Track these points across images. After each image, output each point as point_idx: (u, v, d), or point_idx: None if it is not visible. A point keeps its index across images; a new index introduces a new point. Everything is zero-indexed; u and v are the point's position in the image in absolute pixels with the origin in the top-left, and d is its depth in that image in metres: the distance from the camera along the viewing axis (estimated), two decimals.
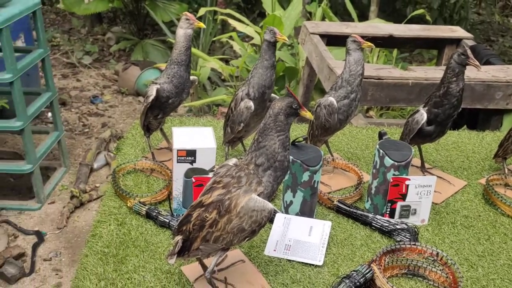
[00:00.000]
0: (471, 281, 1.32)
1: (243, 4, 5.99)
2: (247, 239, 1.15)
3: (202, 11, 4.06)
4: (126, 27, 5.82)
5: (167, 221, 1.45)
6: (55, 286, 2.34)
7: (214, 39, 4.71)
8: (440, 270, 1.29)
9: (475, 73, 2.46)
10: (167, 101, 1.69)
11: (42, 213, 2.84)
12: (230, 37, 4.29)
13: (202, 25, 1.67)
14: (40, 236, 2.64)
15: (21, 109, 2.59)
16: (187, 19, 1.66)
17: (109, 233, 1.41)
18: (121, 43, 5.35)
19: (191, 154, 1.44)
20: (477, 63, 1.57)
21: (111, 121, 4.09)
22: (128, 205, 1.51)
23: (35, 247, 2.56)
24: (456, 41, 3.10)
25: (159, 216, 1.46)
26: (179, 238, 1.15)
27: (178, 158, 1.44)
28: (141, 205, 1.50)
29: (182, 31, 1.66)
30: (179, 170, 1.46)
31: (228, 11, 4.30)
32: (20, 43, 3.47)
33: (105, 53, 5.40)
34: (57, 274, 2.42)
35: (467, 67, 1.59)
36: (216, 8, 4.44)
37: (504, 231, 1.52)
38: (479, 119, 2.73)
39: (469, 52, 1.57)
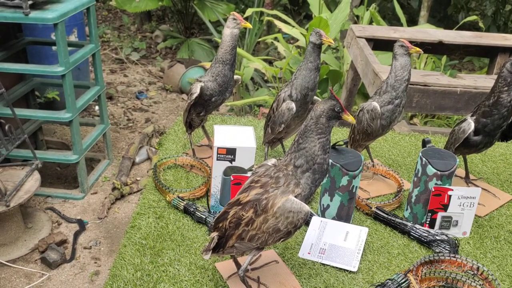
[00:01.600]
0: None
1: (290, 5, 5.99)
2: (282, 239, 1.15)
3: (249, 11, 4.09)
4: (173, 25, 5.95)
5: (204, 217, 1.47)
6: (93, 274, 2.42)
7: (259, 39, 4.73)
8: (480, 285, 1.25)
9: None
10: (210, 99, 1.71)
11: (85, 203, 2.94)
12: (275, 38, 4.30)
13: (249, 25, 1.68)
14: (82, 225, 2.74)
15: (71, 101, 2.70)
16: (234, 19, 1.68)
17: (148, 226, 1.45)
18: (168, 41, 5.48)
19: (231, 152, 1.45)
20: None
21: (155, 116, 4.19)
22: (167, 199, 1.55)
23: (76, 235, 2.66)
24: (509, 50, 2.97)
25: (196, 212, 1.48)
26: (215, 234, 1.16)
27: (218, 155, 1.46)
28: (180, 200, 1.53)
29: (229, 31, 1.68)
30: (218, 168, 1.48)
31: (274, 12, 4.31)
32: (73, 37, 3.62)
33: (152, 50, 5.54)
34: (95, 263, 2.51)
35: None
36: (263, 9, 4.46)
37: None
38: None
39: None
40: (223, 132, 1.51)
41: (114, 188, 2.99)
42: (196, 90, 1.68)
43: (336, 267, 1.34)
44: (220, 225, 1.16)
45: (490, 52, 3.09)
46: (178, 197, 1.54)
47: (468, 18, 4.21)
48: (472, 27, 5.46)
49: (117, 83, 4.75)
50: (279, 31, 4.36)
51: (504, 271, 1.37)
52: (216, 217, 1.18)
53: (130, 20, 6.22)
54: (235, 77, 1.76)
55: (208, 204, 1.52)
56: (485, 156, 1.95)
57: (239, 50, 4.25)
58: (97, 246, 2.62)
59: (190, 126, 1.83)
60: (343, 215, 1.49)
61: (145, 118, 4.13)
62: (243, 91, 4.49)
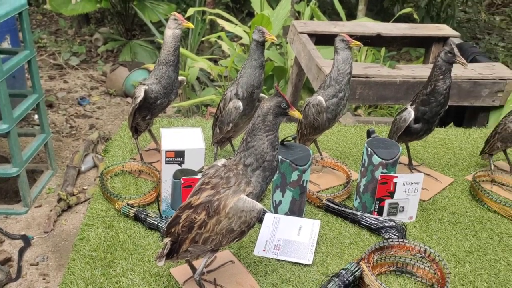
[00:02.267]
0: (458, 277, 1.33)
1: (232, 4, 5.98)
2: (236, 239, 1.15)
3: (190, 11, 4.04)
4: (114, 27, 5.78)
5: (156, 223, 1.44)
6: None
7: (203, 39, 4.69)
8: (428, 266, 1.30)
9: (461, 71, 2.48)
10: (155, 102, 1.68)
11: (29, 217, 2.80)
12: (219, 37, 4.28)
13: (191, 25, 1.66)
14: (26, 241, 2.61)
15: (6, 111, 2.56)
16: (175, 19, 1.65)
17: (97, 237, 1.40)
18: (108, 44, 5.32)
19: (179, 155, 1.43)
20: (464, 61, 1.58)
21: (99, 122, 4.06)
22: (116, 207, 1.50)
23: (21, 251, 2.53)
24: (443, 39, 3.12)
25: (147, 218, 1.45)
26: (167, 240, 1.14)
27: (167, 159, 1.43)
28: (129, 207, 1.48)
29: (170, 32, 1.65)
30: (167, 172, 1.45)
31: (216, 11, 4.29)
32: (6, 44, 3.43)
33: (92, 54, 5.36)
34: (44, 279, 2.40)
35: (453, 65, 1.60)
36: (205, 8, 4.43)
37: (490, 227, 1.54)
38: (465, 116, 2.76)
39: (455, 50, 1.58)
40: (170, 135, 1.48)
41: (60, 200, 2.87)
42: (140, 93, 1.64)
43: (292, 262, 1.36)
44: (173, 230, 1.14)
45: (425, 43, 3.23)
46: (128, 204, 1.50)
47: (403, 11, 4.39)
48: (407, 18, 5.68)
49: (57, 90, 4.55)
50: (222, 29, 4.34)
51: (450, 251, 1.44)
52: (168, 222, 1.16)
53: (67, 23, 5.98)
54: (180, 78, 1.73)
55: (159, 209, 1.49)
56: (425, 143, 2.04)
57: (182, 50, 4.20)
58: (44, 261, 2.51)
59: (136, 130, 1.78)
60: (295, 210, 1.51)
61: (89, 124, 3.99)
62: (189, 91, 4.44)
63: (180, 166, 1.45)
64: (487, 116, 2.62)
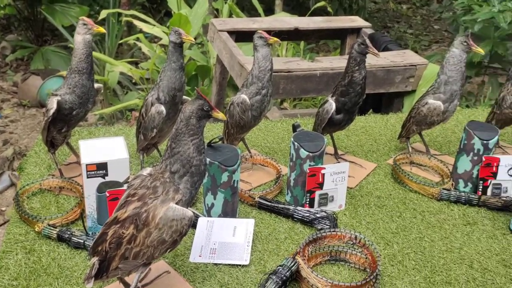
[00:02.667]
0: (388, 258, 1.40)
1: (148, 4, 5.82)
2: (169, 250, 1.11)
3: (103, 13, 3.87)
4: (22, 34, 5.40)
5: (82, 241, 1.36)
6: None
7: (121, 41, 4.52)
8: (360, 252, 1.35)
9: (375, 60, 2.59)
10: (71, 113, 1.58)
11: None
12: (137, 39, 4.15)
13: (102, 29, 1.58)
14: None
15: None
16: (84, 24, 1.57)
17: (17, 264, 1.30)
18: (18, 52, 4.96)
19: (102, 167, 1.36)
20: (376, 51, 1.65)
21: (14, 137, 3.78)
22: (36, 229, 1.40)
23: None
24: (357, 30, 3.25)
25: (72, 238, 1.37)
26: (95, 259, 1.08)
27: (88, 173, 1.36)
28: (51, 228, 1.39)
29: (80, 37, 1.56)
30: (90, 186, 1.37)
31: (132, 12, 4.14)
32: None
33: (0, 64, 4.98)
34: None
35: (367, 55, 1.66)
36: (119, 10, 4.27)
37: (413, 207, 1.63)
38: (382, 103, 2.90)
39: (367, 41, 1.64)
40: (90, 147, 1.41)
41: None
42: (53, 105, 1.54)
43: (229, 264, 1.35)
44: (100, 248, 1.08)
45: (340, 34, 3.35)
46: (49, 225, 1.40)
47: (318, 4, 4.51)
48: (323, 11, 5.87)
49: None
50: (140, 31, 4.21)
51: (378, 234, 1.50)
52: (93, 241, 1.10)
53: None
54: (96, 85, 1.65)
55: (84, 227, 1.41)
56: (348, 131, 2.11)
57: (99, 55, 4.02)
58: None
59: (52, 145, 1.67)
60: (228, 211, 1.50)
61: (2, 140, 3.70)
62: (111, 97, 4.27)
63: (104, 178, 1.38)
64: (402, 101, 2.77)
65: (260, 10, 4.33)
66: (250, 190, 1.68)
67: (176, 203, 1.10)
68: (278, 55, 3.98)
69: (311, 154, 1.54)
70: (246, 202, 1.61)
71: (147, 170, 1.17)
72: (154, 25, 3.99)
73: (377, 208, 1.62)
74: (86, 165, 1.34)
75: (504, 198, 1.60)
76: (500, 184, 1.63)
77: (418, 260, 1.39)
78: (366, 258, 1.33)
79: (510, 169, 1.51)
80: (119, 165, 1.37)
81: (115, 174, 1.38)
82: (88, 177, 1.36)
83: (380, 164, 1.88)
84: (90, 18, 1.63)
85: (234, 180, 1.47)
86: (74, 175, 1.67)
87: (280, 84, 2.53)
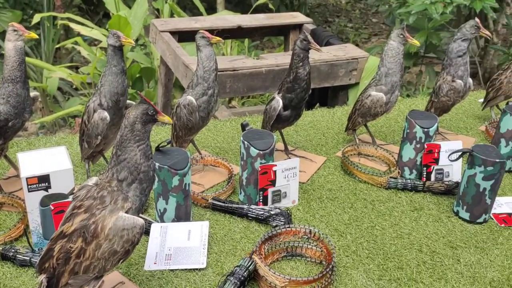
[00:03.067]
0: (342, 249, 1.42)
1: (85, 5, 5.62)
2: (121, 260, 1.07)
3: (37, 17, 3.69)
4: None
5: (28, 258, 1.29)
6: None
7: (58, 46, 4.34)
8: (315, 245, 1.37)
9: (318, 55, 2.65)
10: (7, 125, 1.49)
11: None
12: (76, 43, 3.99)
13: (34, 35, 1.50)
14: None
15: None
16: (15, 30, 1.48)
17: None
18: None
19: (43, 180, 1.29)
20: (318, 46, 1.68)
21: None
22: None
23: None
24: (299, 26, 3.30)
25: (17, 255, 1.29)
26: (42, 277, 1.03)
27: (29, 186, 1.29)
28: None
29: (11, 44, 1.48)
30: (33, 200, 1.30)
31: (67, 15, 3.98)
32: None
33: None
34: None
35: (310, 50, 1.68)
36: (54, 13, 4.09)
37: (363, 197, 1.67)
38: (328, 97, 2.96)
39: (309, 37, 1.67)
40: (30, 159, 1.34)
41: None
42: None
43: (186, 269, 1.32)
44: (47, 265, 1.03)
45: (283, 31, 3.39)
46: None
47: (260, 1, 4.53)
48: (265, 8, 5.91)
49: None
50: (78, 34, 4.05)
51: (332, 226, 1.53)
52: (40, 258, 1.04)
53: None
54: (32, 94, 1.57)
55: (29, 243, 1.34)
56: (297, 127, 2.14)
57: (35, 61, 3.84)
58: None
59: None
60: (182, 215, 1.47)
61: None
62: (51, 104, 4.09)
63: (47, 191, 1.31)
64: (346, 94, 2.84)
65: (202, 9, 4.30)
66: (202, 192, 1.66)
67: (126, 212, 1.06)
68: (223, 54, 3.97)
69: (261, 152, 1.54)
70: (199, 205, 1.59)
71: (93, 180, 1.12)
72: (93, 28, 3.86)
73: (330, 200, 1.65)
74: (27, 178, 1.27)
75: (447, 183, 1.68)
76: (442, 169, 1.71)
77: (371, 249, 1.43)
78: (322, 251, 1.35)
79: (451, 154, 1.58)
80: (63, 176, 1.31)
81: (59, 186, 1.31)
82: (29, 191, 1.29)
83: (329, 157, 1.91)
84: (23, 22, 1.55)
85: (186, 183, 1.44)
86: (14, 189, 1.58)
87: (226, 83, 2.52)
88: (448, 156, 1.61)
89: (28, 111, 1.54)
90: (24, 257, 1.29)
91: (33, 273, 1.27)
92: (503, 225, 1.55)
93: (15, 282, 1.25)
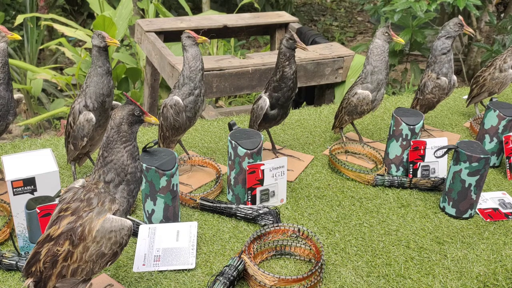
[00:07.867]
0: (331, 247, 1.43)
1: (69, 6, 5.55)
2: (110, 263, 1.07)
3: (20, 18, 3.64)
4: None
5: (14, 262, 1.27)
6: None
7: (42, 47, 4.28)
8: (304, 244, 1.37)
9: (305, 53, 2.65)
10: None
11: None
12: (60, 44, 3.95)
13: (17, 36, 1.48)
14: None
15: None
16: None
17: None
18: None
19: (29, 182, 1.28)
20: (304, 45, 1.68)
21: None
22: None
23: None
24: (284, 25, 3.31)
25: (3, 260, 1.27)
26: (29, 281, 1.01)
27: (15, 189, 1.27)
28: None
29: None
30: (18, 203, 1.29)
31: (51, 16, 3.94)
32: None
33: None
34: None
35: (296, 49, 1.69)
36: (37, 14, 4.03)
37: (351, 194, 1.68)
38: (315, 95, 2.97)
39: (295, 36, 1.67)
40: (14, 162, 1.32)
41: None
42: None
43: (175, 270, 1.32)
44: (34, 269, 1.01)
45: (269, 30, 3.39)
46: None
47: (245, 0, 4.53)
48: (251, 7, 5.91)
49: None
50: (62, 35, 4.01)
51: (320, 224, 1.53)
52: (26, 261, 1.03)
53: None
54: (16, 96, 1.55)
55: (15, 247, 1.32)
56: (284, 126, 2.14)
57: (19, 62, 3.78)
58: None
59: None
60: (170, 216, 1.46)
61: None
62: (36, 106, 4.04)
63: (33, 194, 1.29)
64: (333, 92, 2.86)
65: (187, 8, 4.28)
66: (190, 192, 1.65)
67: (113, 214, 1.05)
68: (209, 53, 3.96)
69: (249, 151, 1.54)
70: (187, 205, 1.58)
71: (79, 182, 1.11)
72: (77, 29, 3.82)
73: (317, 199, 1.66)
74: (12, 181, 1.25)
75: (433, 179, 1.70)
76: (428, 165, 1.73)
77: (360, 246, 1.44)
78: (311, 249, 1.36)
79: (436, 150, 1.60)
80: (48, 178, 1.29)
81: (45, 188, 1.30)
82: (15, 194, 1.27)
83: (317, 155, 1.92)
84: (6, 23, 1.52)
85: (173, 184, 1.44)
86: (0, 193, 1.56)
87: (213, 82, 2.51)
88: (434, 153, 1.62)
89: (12, 113, 1.52)
90: (10, 261, 1.28)
91: (20, 278, 1.26)
92: (488, 220, 1.58)
93: (1, 286, 1.23)
